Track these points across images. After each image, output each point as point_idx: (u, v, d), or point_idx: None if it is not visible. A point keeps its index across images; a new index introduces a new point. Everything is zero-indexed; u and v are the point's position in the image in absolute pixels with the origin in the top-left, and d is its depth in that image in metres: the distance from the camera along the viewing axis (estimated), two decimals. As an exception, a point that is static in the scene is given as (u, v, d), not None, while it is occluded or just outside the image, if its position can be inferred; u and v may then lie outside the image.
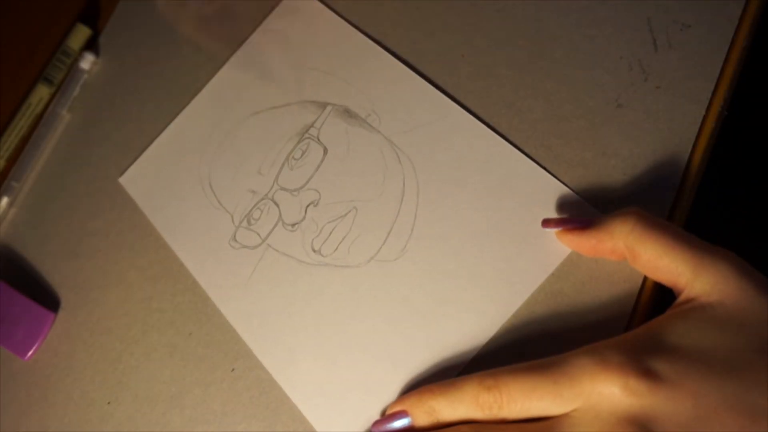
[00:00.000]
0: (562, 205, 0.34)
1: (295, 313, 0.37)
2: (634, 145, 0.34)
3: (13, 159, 0.49)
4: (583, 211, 0.34)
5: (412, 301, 0.35)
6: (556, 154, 0.35)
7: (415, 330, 0.34)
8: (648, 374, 0.26)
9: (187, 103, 0.45)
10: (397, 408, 0.31)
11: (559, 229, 0.33)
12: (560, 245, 0.33)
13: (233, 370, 0.37)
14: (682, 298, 0.29)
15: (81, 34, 0.51)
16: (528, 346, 0.32)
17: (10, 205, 0.47)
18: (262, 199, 0.40)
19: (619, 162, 0.34)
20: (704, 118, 0.34)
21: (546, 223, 0.33)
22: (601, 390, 0.26)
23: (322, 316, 0.36)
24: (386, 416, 0.32)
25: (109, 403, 0.39)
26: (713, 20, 0.35)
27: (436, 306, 0.34)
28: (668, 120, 0.34)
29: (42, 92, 0.50)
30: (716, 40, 0.35)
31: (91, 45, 0.51)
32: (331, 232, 0.38)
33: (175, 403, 0.38)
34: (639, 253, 0.30)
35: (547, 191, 0.35)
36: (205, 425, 0.37)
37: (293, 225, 0.39)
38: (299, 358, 0.36)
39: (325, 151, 0.40)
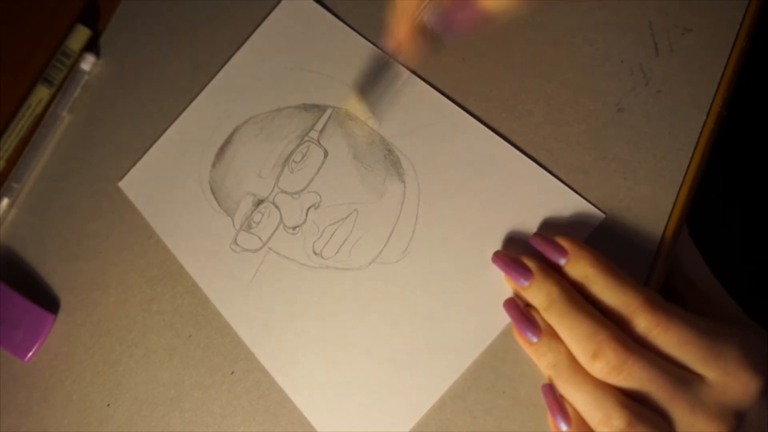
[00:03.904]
0: (564, 205, 0.34)
1: (297, 316, 0.37)
2: (635, 149, 0.34)
3: (14, 160, 0.49)
4: (584, 211, 0.34)
5: (414, 303, 0.35)
6: (556, 157, 0.35)
7: (416, 332, 0.34)
8: None
9: (188, 105, 0.45)
10: (529, 266, 0.32)
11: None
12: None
13: (233, 372, 0.37)
14: None
15: (81, 35, 0.50)
16: (528, 350, 0.32)
17: (11, 206, 0.47)
18: (263, 202, 0.40)
19: (620, 166, 0.34)
20: (705, 122, 0.34)
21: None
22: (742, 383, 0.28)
23: (323, 318, 0.36)
24: (513, 260, 0.32)
25: (108, 405, 0.39)
26: (715, 24, 0.35)
27: (437, 308, 0.34)
28: (669, 124, 0.34)
29: (42, 93, 0.50)
30: (718, 45, 0.35)
31: (92, 46, 0.51)
32: (332, 235, 0.38)
33: (175, 405, 0.38)
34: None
35: (548, 192, 0.35)
36: (205, 427, 0.37)
37: (294, 228, 0.39)
38: (301, 361, 0.36)
39: (326, 153, 0.40)
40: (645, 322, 0.29)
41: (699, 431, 0.28)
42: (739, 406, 0.28)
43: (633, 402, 0.28)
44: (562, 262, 0.31)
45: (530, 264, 0.31)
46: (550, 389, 0.30)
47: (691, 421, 0.28)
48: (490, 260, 0.34)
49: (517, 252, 0.33)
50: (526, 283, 0.31)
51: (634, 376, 0.28)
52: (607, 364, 0.28)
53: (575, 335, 0.29)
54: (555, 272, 0.31)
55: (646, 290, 0.30)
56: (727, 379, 0.28)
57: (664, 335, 0.29)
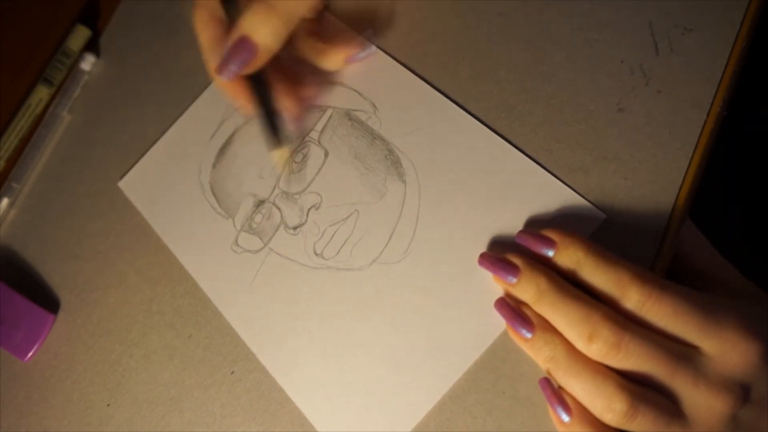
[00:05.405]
0: (564, 206, 0.34)
1: (298, 317, 0.37)
2: (635, 149, 0.34)
3: (14, 160, 0.49)
4: (585, 211, 0.34)
5: (415, 304, 0.35)
6: (556, 158, 0.35)
7: (417, 332, 0.34)
8: None
9: (188, 106, 0.45)
10: (516, 262, 0.31)
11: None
12: None
13: (233, 372, 0.37)
14: None
15: (81, 34, 0.50)
16: (529, 350, 0.32)
17: (11, 206, 0.47)
18: (264, 202, 0.40)
19: (620, 166, 0.34)
20: (705, 122, 0.34)
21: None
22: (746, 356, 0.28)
23: (324, 319, 0.36)
24: (499, 260, 0.32)
25: (108, 405, 0.39)
26: (715, 24, 0.35)
27: (439, 308, 0.34)
28: (669, 124, 0.34)
29: (42, 93, 0.50)
30: (718, 45, 0.35)
31: (93, 46, 0.51)
32: (333, 235, 0.38)
33: (175, 405, 0.38)
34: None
35: (548, 192, 0.35)
36: (205, 427, 0.37)
37: (295, 228, 0.39)
38: (302, 361, 0.36)
39: (326, 154, 0.40)
40: (637, 295, 0.29)
41: (704, 405, 0.27)
42: (742, 376, 0.28)
43: (633, 384, 0.28)
44: (550, 253, 0.31)
45: (516, 260, 0.31)
46: (548, 382, 0.30)
47: (695, 395, 0.28)
48: (477, 263, 0.33)
49: (503, 252, 0.33)
50: (515, 280, 0.31)
51: (632, 354, 0.28)
52: (605, 344, 0.28)
53: (569, 321, 0.29)
54: (542, 265, 0.31)
55: (637, 266, 0.30)
56: (725, 348, 0.28)
57: (658, 307, 0.28)
